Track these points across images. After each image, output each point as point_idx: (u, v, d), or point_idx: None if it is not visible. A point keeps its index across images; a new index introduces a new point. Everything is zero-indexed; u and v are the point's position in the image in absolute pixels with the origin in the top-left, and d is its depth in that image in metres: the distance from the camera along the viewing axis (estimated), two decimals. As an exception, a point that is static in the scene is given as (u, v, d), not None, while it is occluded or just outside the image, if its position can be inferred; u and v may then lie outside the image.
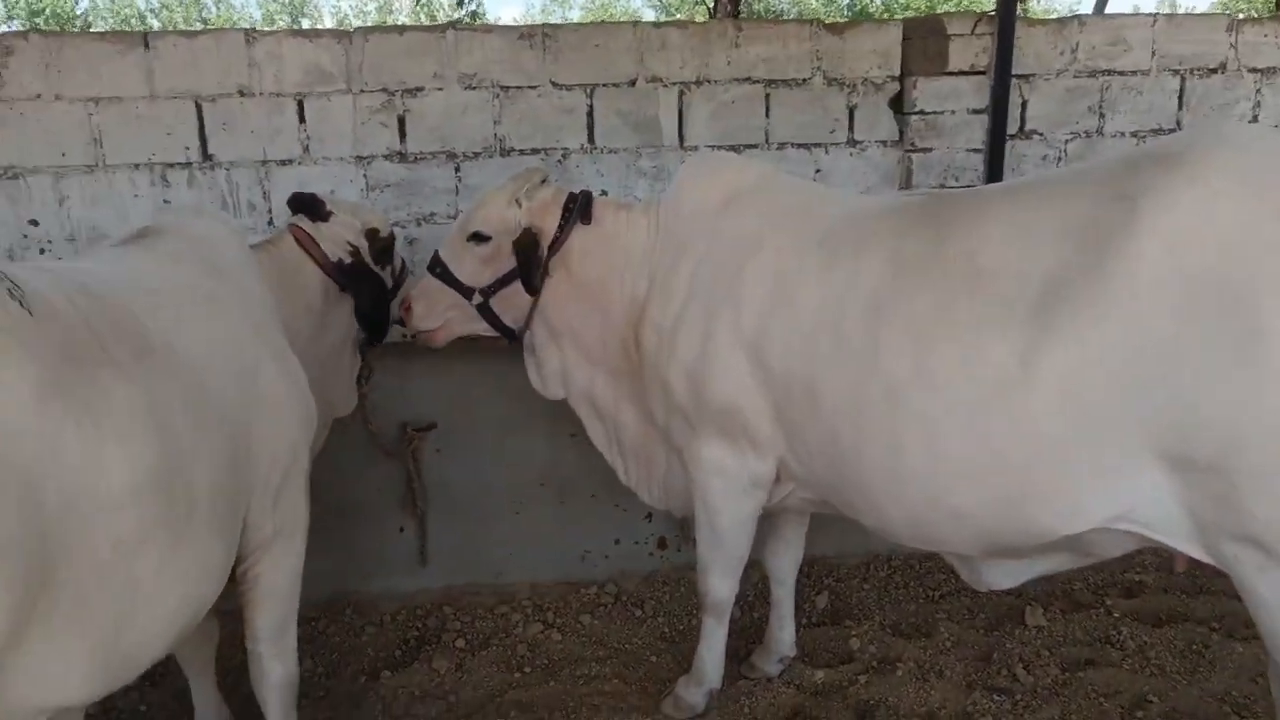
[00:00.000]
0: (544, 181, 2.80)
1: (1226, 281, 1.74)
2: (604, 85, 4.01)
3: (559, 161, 4.04)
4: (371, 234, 3.00)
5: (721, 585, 2.73)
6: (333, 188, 3.89)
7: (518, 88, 3.96)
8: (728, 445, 2.49)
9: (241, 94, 3.76)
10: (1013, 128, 4.31)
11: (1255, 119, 4.48)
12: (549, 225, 2.70)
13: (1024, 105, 4.32)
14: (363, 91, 3.85)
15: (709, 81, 4.07)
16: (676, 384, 2.50)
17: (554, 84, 3.97)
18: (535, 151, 4.02)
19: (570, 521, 3.46)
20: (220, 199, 3.86)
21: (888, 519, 2.23)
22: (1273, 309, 1.70)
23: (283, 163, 3.86)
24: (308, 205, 2.90)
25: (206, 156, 3.80)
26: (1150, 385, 1.82)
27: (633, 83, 4.03)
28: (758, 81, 4.11)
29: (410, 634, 3.36)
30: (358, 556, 3.43)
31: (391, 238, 3.07)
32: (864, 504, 2.26)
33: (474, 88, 3.92)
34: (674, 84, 4.05)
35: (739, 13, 6.44)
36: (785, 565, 3.04)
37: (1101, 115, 4.38)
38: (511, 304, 2.79)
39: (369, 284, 2.83)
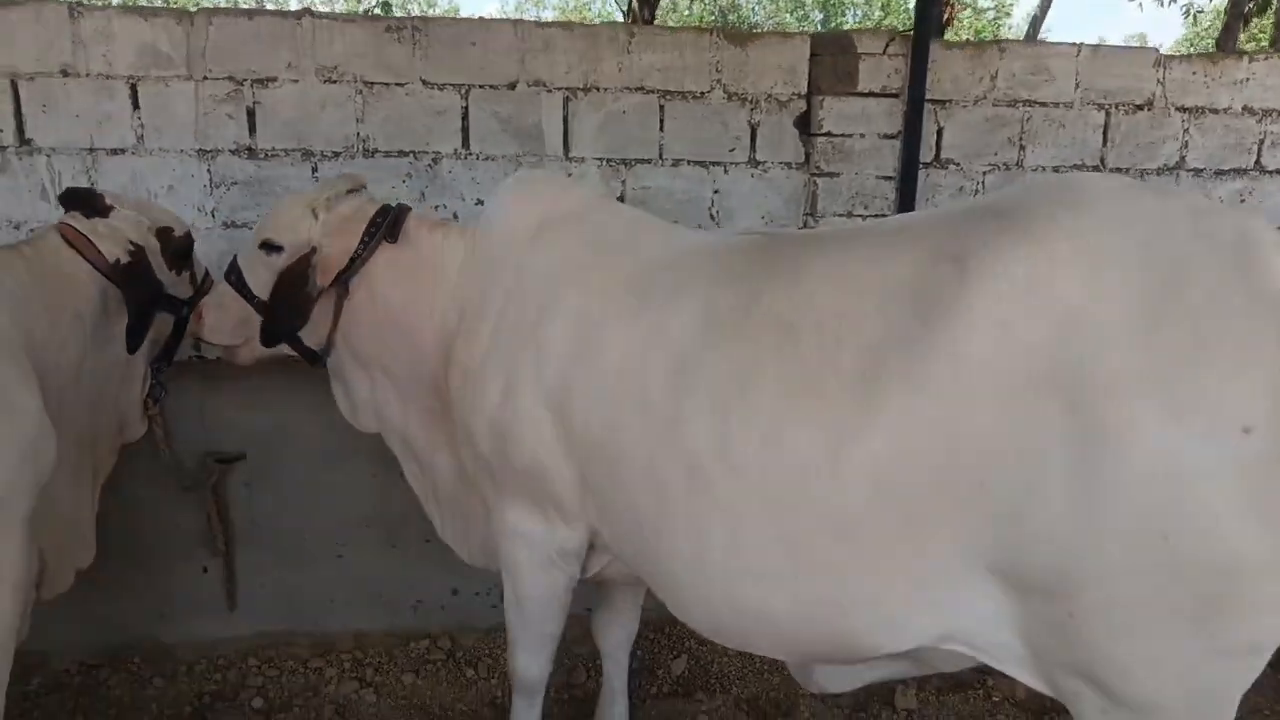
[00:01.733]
0: (353, 191, 2.44)
1: (1062, 368, 1.42)
2: (481, 87, 3.67)
3: (429, 166, 3.69)
4: (164, 234, 2.62)
5: (530, 664, 2.37)
6: (170, 183, 3.52)
7: (384, 84, 3.60)
8: (534, 510, 2.14)
9: (65, 74, 3.38)
10: (927, 155, 4.03)
11: (1182, 160, 4.23)
12: (347, 242, 2.34)
13: (939, 133, 4.04)
14: (207, 79, 3.48)
15: (598, 89, 3.75)
16: (480, 437, 2.15)
17: (425, 82, 3.63)
18: (403, 154, 3.67)
19: (402, 567, 3.09)
20: (39, 187, 3.47)
21: (691, 615, 1.89)
22: (1116, 407, 1.38)
23: (113, 151, 3.47)
24: (82, 200, 2.52)
25: (24, 140, 3.41)
26: (975, 486, 1.50)
27: (513, 86, 3.69)
28: (651, 92, 3.80)
29: (206, 689, 2.96)
30: (152, 599, 3.03)
31: (188, 239, 2.69)
32: (669, 594, 1.93)
33: (334, 81, 3.56)
34: (559, 89, 3.72)
35: (653, 18, 6.12)
36: (615, 638, 2.68)
37: (1022, 147, 4.10)
38: (310, 323, 2.42)
39: (143, 287, 2.44)
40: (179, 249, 2.65)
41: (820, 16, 21.81)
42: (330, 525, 3.04)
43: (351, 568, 3.09)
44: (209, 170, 3.56)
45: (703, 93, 3.83)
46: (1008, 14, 19.91)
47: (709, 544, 1.75)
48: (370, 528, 3.05)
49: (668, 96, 3.81)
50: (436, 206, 3.73)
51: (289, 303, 2.29)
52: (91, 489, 2.58)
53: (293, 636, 3.10)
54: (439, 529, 2.59)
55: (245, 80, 3.51)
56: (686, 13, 21.70)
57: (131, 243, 2.51)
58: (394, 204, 2.41)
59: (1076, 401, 1.41)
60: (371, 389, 2.51)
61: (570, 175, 2.30)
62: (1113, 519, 1.40)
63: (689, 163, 3.90)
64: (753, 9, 23.01)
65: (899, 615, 1.65)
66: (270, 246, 2.39)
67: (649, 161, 3.85)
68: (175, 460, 2.83)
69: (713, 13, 21.93)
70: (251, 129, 3.55)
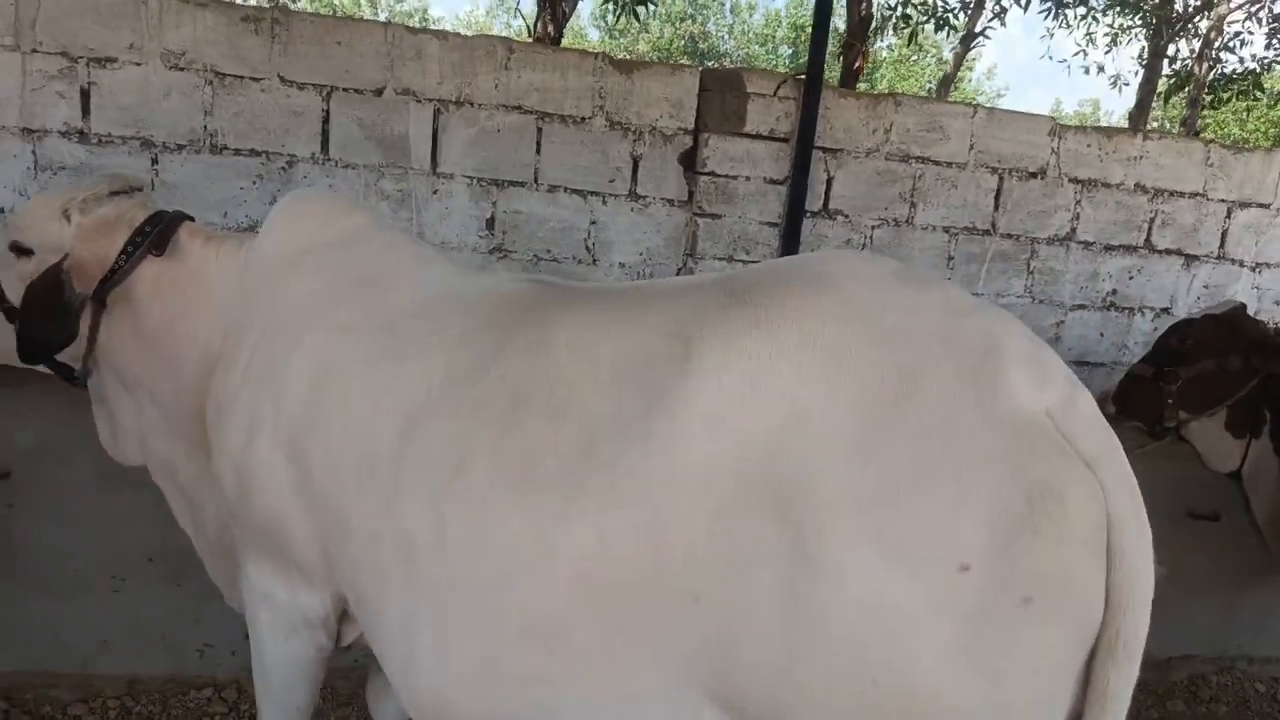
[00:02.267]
0: (120, 194, 2.14)
1: (776, 477, 1.23)
2: (345, 90, 3.44)
3: (283, 169, 3.43)
4: None
5: None
6: (-14, 162, 3.20)
7: (237, 77, 3.35)
8: (277, 569, 1.86)
9: (-128, 31, 3.06)
10: (815, 204, 3.90)
11: (1073, 231, 4.18)
12: (105, 250, 2.04)
13: (829, 182, 3.91)
14: (35, 51, 3.18)
15: (471, 104, 3.54)
16: (225, 479, 1.88)
17: (283, 79, 3.38)
18: (255, 153, 3.40)
19: (188, 607, 2.77)
20: None
21: (412, 709, 1.64)
22: (828, 530, 1.19)
23: (-79, 123, 3.15)
24: None
25: None
26: (687, 600, 1.30)
27: (379, 92, 3.47)
28: (529, 112, 3.60)
29: (-60, 733, 2.60)
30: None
31: None
32: (394, 684, 1.67)
33: (181, 68, 3.30)
34: (429, 100, 3.51)
35: (560, 39, 5.97)
36: (387, 711, 2.40)
37: (913, 204, 4.01)
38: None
39: None
40: None
41: (789, 52, 22.11)
42: (108, 556, 2.71)
43: (130, 605, 2.75)
44: (33, 151, 3.26)
45: (584, 118, 3.65)
46: (970, 69, 20.31)
47: (418, 639, 1.51)
48: (154, 561, 2.73)
49: (546, 119, 3.62)
50: (287, 213, 3.47)
51: (43, 316, 1.99)
52: None
53: (54, 678, 2.74)
54: (210, 572, 2.29)
55: (81, 58, 3.23)
56: (658, 36, 21.87)
57: None
58: (170, 210, 2.13)
59: (788, 518, 1.21)
60: (137, 416, 2.21)
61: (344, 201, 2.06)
62: (822, 655, 1.21)
63: (566, 190, 3.70)
64: (722, 38, 23.30)
65: None
66: (19, 249, 2.09)
67: (523, 184, 3.65)
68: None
69: (683, 37, 22.12)
70: (85, 111, 3.26)
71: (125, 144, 3.30)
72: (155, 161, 3.34)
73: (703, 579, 1.26)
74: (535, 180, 3.66)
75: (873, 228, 4.00)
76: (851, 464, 1.21)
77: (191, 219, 2.16)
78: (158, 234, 2.05)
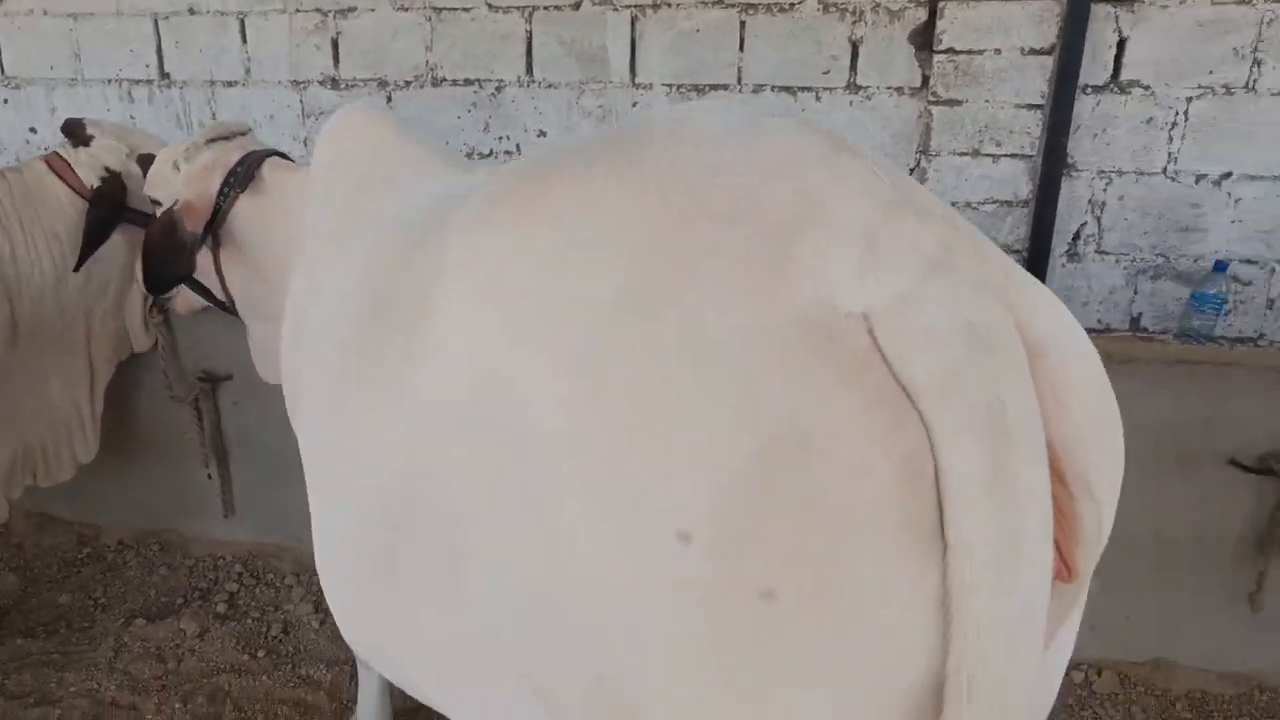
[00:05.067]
0: (221, 139, 2.36)
1: (497, 410, 0.98)
2: (544, 8, 3.42)
3: (493, 95, 3.54)
4: (145, 160, 2.78)
5: None
6: (271, 113, 3.76)
7: (451, 9, 3.50)
8: None
9: (191, 12, 3.72)
10: (1099, 76, 3.03)
11: None
12: (207, 192, 2.28)
13: (1120, 44, 3.00)
14: (299, 11, 3.63)
15: (669, 4, 3.31)
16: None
17: (490, 5, 3.46)
18: (469, 82, 3.55)
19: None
20: (175, 118, 3.88)
21: None
22: (545, 475, 0.93)
23: (228, 84, 3.78)
24: (70, 129, 2.76)
25: (164, 75, 3.82)
26: (444, 538, 1.09)
27: (577, 6, 3.39)
28: (731, 6, 3.26)
29: (198, 584, 3.19)
30: (173, 495, 3.31)
31: None
32: None
33: (406, 9, 3.53)
34: (626, 7, 3.35)
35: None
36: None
37: (1256, 62, 2.92)
38: (206, 276, 2.44)
39: (104, 210, 2.62)
40: None
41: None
42: (312, 450, 3.10)
43: (331, 494, 3.13)
44: (300, 100, 3.74)
45: (792, 4, 3.22)
46: None
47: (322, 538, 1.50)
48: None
49: (749, 10, 3.26)
50: (500, 138, 3.58)
51: (159, 254, 2.29)
52: (89, 391, 2.86)
53: (282, 551, 3.23)
54: None
55: (330, 11, 3.60)
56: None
57: (106, 169, 2.69)
58: (262, 149, 2.31)
59: (515, 455, 0.94)
60: (266, 338, 2.47)
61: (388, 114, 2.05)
62: (552, 632, 0.94)
63: (773, 89, 3.32)
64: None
65: (430, 675, 1.28)
66: (155, 203, 2.43)
67: (725, 86, 3.34)
68: (177, 372, 3.04)
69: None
70: (335, 59, 3.65)
71: (366, 85, 3.64)
72: (390, 100, 3.64)
73: (467, 520, 1.06)
74: (739, 81, 3.33)
75: (1189, 99, 3.00)
76: (564, 393, 0.93)
77: (283, 155, 2.31)
78: (243, 173, 2.25)
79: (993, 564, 0.78)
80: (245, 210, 2.24)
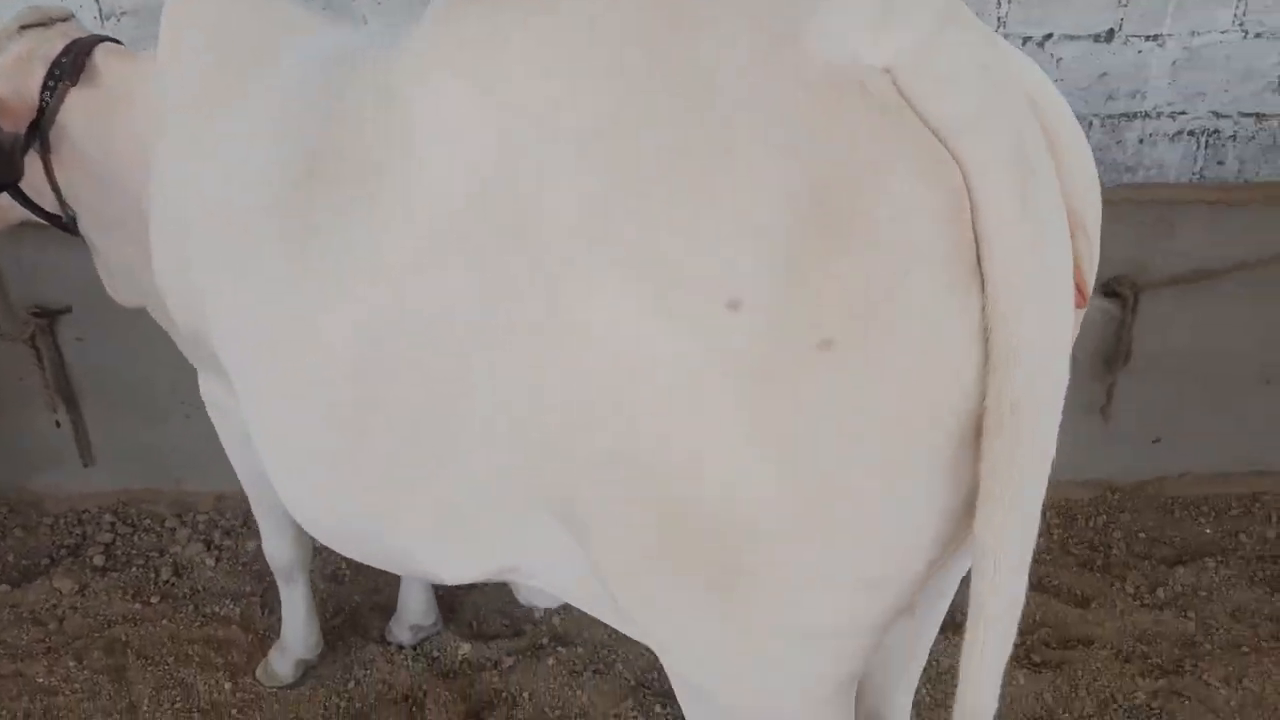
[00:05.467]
0: (36, 26, 2.08)
1: (513, 203, 0.93)
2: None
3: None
4: None
5: (279, 545, 2.13)
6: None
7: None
8: (217, 377, 1.83)
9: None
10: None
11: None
12: (28, 90, 2.01)
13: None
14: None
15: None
16: (163, 293, 1.85)
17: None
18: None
19: (256, 428, 2.89)
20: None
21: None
22: (571, 261, 0.89)
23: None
24: None
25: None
26: (458, 378, 1.05)
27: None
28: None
29: (64, 542, 2.92)
30: (15, 450, 2.99)
31: None
32: None
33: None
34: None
35: None
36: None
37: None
38: (32, 185, 2.15)
39: None
40: None
41: None
42: (178, 383, 2.86)
43: (207, 425, 2.91)
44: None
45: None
46: None
47: (261, 449, 1.43)
48: (217, 384, 2.85)
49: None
50: None
51: None
52: None
53: (155, 495, 3.00)
54: None
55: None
56: None
57: None
58: (84, 37, 2.05)
59: (532, 252, 0.91)
60: (121, 254, 2.23)
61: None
62: (585, 435, 0.92)
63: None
64: None
65: (425, 545, 1.26)
66: None
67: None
68: (3, 307, 2.70)
69: None
70: (133, -50, 3.26)
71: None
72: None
73: (470, 353, 1.01)
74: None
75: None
76: (590, 172, 0.89)
77: (115, 41, 2.07)
78: (70, 63, 1.99)
79: (1030, 291, 0.83)
80: (79, 105, 2.00)
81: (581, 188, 0.88)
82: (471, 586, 2.61)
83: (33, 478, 3.02)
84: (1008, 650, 0.94)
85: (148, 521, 2.97)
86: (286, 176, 1.28)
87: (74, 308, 2.79)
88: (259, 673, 2.38)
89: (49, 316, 2.76)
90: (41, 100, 1.99)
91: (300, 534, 2.17)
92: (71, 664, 2.45)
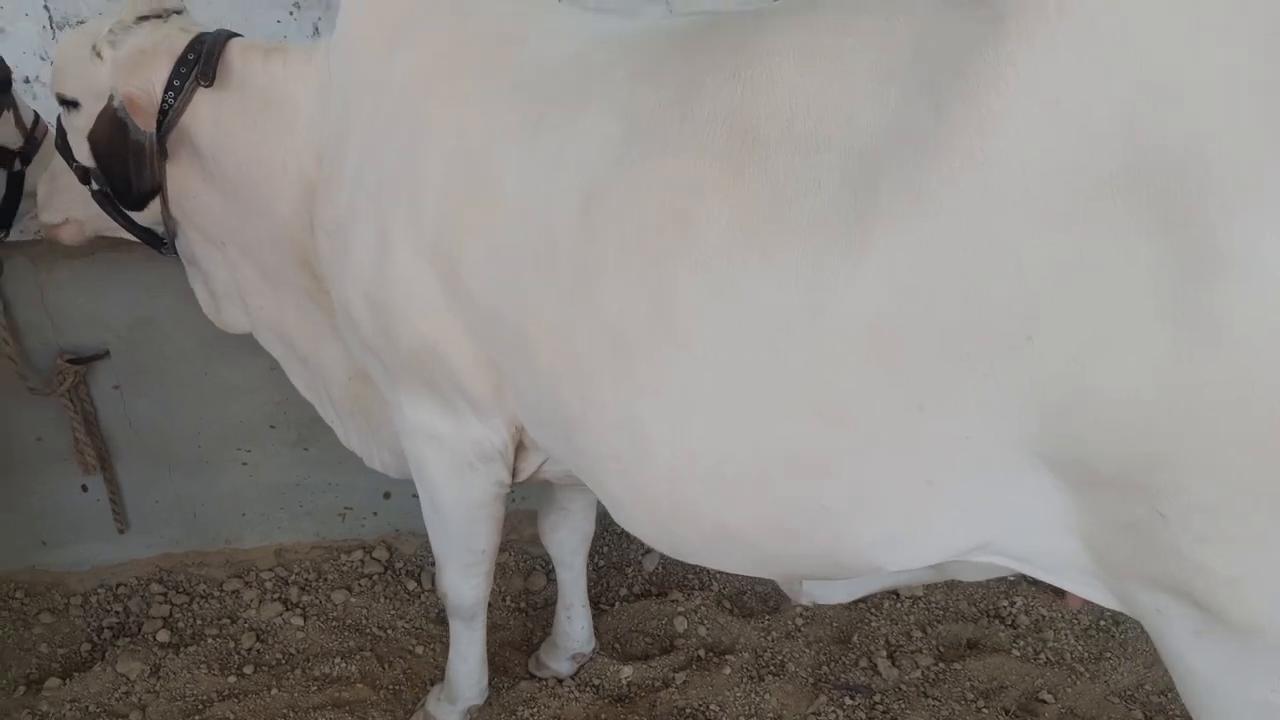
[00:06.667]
0: (158, 18, 1.84)
1: (1147, 168, 0.94)
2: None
3: (323, -9, 3.03)
4: None
5: (463, 585, 1.97)
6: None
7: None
8: (437, 403, 1.68)
9: None
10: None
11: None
12: (149, 85, 1.77)
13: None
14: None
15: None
16: (357, 313, 1.67)
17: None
18: (289, -25, 3.00)
19: (320, 471, 2.66)
20: None
21: (639, 527, 1.47)
22: (1230, 221, 0.91)
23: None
24: None
25: None
26: (1016, 344, 1.04)
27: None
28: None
29: (105, 622, 2.57)
30: (27, 524, 2.58)
31: (4, 70, 2.11)
32: (610, 502, 1.50)
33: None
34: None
35: None
36: (568, 543, 2.28)
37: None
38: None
39: None
40: None
41: None
42: (228, 429, 2.57)
43: (260, 474, 2.64)
44: (46, 7, 2.89)
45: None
46: None
47: (648, 439, 1.31)
48: (277, 429, 2.58)
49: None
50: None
51: (118, 164, 1.76)
52: None
53: (204, 556, 2.68)
54: (341, 436, 2.14)
55: (78, -115, 2.79)
56: None
57: None
58: (210, 32, 1.83)
59: (1170, 218, 0.94)
60: (233, 275, 2.01)
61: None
62: (1229, 383, 0.96)
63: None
64: None
65: (909, 525, 1.23)
66: (66, 102, 1.84)
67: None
68: (21, 358, 2.32)
69: None
70: (95, -51, 2.86)
71: (147, -18, 2.92)
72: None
73: (1043, 314, 1.01)
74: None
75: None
76: (1253, 130, 0.91)
77: (231, 36, 1.87)
78: (205, 59, 1.78)
79: None
80: (211, 110, 1.81)
81: (1244, 138, 0.91)
82: (599, 608, 2.56)
83: (49, 553, 2.63)
84: None
85: (202, 587, 2.67)
86: (703, 148, 1.21)
87: (111, 352, 2.44)
88: (414, 728, 2.23)
89: (85, 363, 2.40)
90: (164, 100, 1.78)
91: (488, 573, 2.04)
92: (180, 754, 2.18)
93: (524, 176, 1.38)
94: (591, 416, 1.35)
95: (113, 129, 1.73)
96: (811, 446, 1.18)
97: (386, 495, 2.75)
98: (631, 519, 1.44)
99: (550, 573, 2.67)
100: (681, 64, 1.28)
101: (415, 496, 2.89)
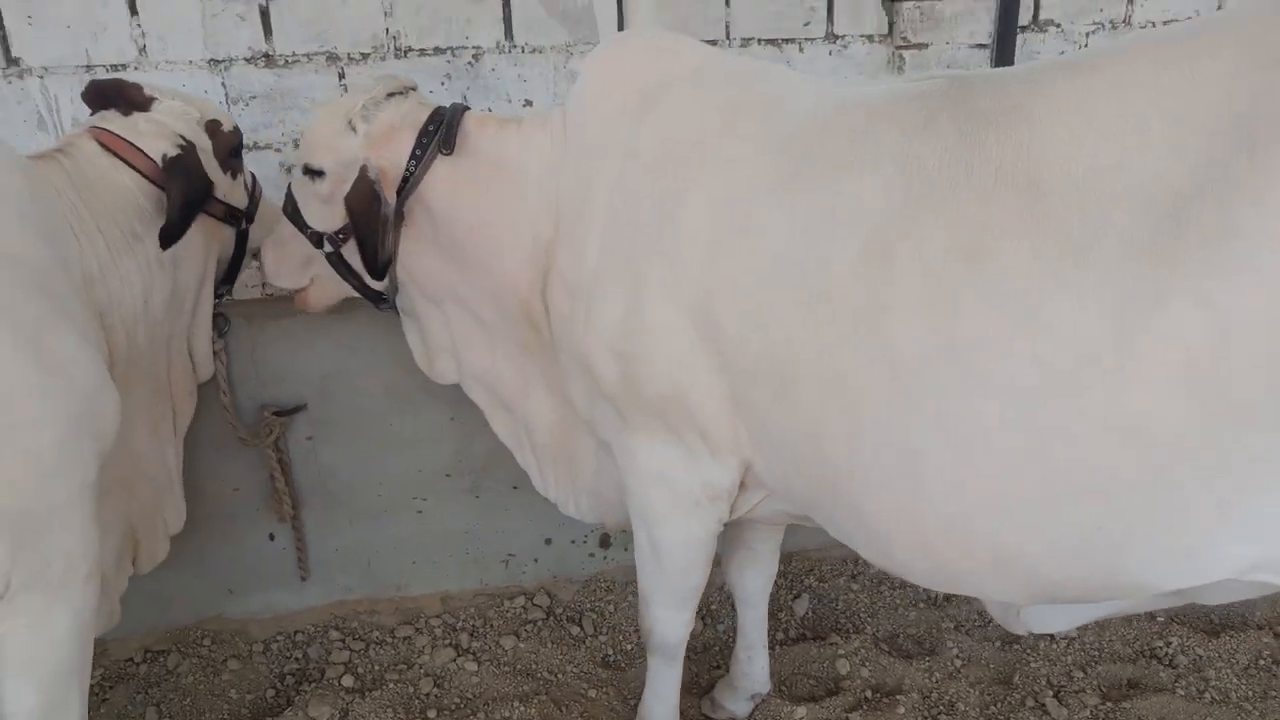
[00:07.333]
0: (397, 95, 2.01)
1: None
2: (523, -36, 3.18)
3: (470, 64, 3.23)
4: (213, 127, 2.21)
5: (670, 622, 2.07)
6: (180, 101, 3.07)
7: (413, -31, 3.12)
8: (673, 444, 1.80)
9: (49, -23, 2.90)
10: (1025, 17, 3.55)
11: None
12: (397, 156, 1.94)
13: (1039, -11, 3.55)
14: (210, -26, 2.99)
15: (655, -40, 3.26)
16: (600, 363, 1.79)
17: (459, -36, 3.14)
18: (439, 51, 3.21)
19: (488, 518, 2.77)
20: (35, 116, 3.03)
21: (897, 556, 1.56)
22: None
23: (113, 67, 3.01)
24: (112, 94, 2.09)
25: (10, 60, 2.95)
26: None
27: (559, -39, 3.20)
28: (716, -39, 3.31)
29: (286, 669, 2.68)
30: (217, 573, 2.71)
31: (238, 135, 2.28)
32: (863, 534, 1.60)
33: (355, -32, 3.08)
34: (611, -38, 3.23)
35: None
36: (754, 584, 2.37)
37: (1130, 1, 3.62)
38: (357, 259, 2.04)
39: (188, 181, 2.00)
40: (231, 145, 2.24)
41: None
42: (406, 477, 2.71)
43: (432, 522, 2.77)
44: (223, 84, 3.11)
45: (773, -42, 3.34)
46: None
47: (926, 471, 1.41)
48: (451, 477, 2.72)
49: (734, -35, 3.32)
50: (483, 110, 3.29)
51: (369, 235, 1.91)
52: (175, 441, 2.23)
53: (374, 604, 2.80)
54: (538, 483, 2.25)
55: (253, -26, 3.02)
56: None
57: (181, 137, 2.07)
58: (447, 106, 2.00)
59: None
60: (448, 328, 2.15)
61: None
62: None
63: (760, 41, 3.43)
64: None
65: (1197, 543, 1.31)
66: (311, 172, 2.00)
67: (715, 41, 3.38)
68: (234, 410, 2.47)
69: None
70: (267, 31, 3.09)
71: (310, 61, 3.14)
72: (342, 76, 3.17)
73: None
74: (727, 35, 3.40)
75: (1087, 34, 3.64)
76: None
77: (466, 109, 2.04)
78: (445, 129, 1.95)
79: None
80: (448, 176, 1.96)
81: None
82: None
83: (235, 601, 2.75)
84: None
85: (376, 634, 2.77)
86: (990, 195, 1.34)
87: (308, 405, 2.59)
88: (609, 769, 2.30)
89: (288, 415, 2.55)
90: (406, 169, 1.94)
91: (695, 610, 2.12)
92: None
93: (794, 229, 1.51)
94: (860, 451, 1.46)
95: (368, 199, 1.89)
96: (1109, 471, 1.28)
97: (548, 541, 2.86)
98: (889, 550, 1.54)
99: (706, 618, 2.76)
100: (957, 122, 1.41)
101: (574, 543, 3.02)
